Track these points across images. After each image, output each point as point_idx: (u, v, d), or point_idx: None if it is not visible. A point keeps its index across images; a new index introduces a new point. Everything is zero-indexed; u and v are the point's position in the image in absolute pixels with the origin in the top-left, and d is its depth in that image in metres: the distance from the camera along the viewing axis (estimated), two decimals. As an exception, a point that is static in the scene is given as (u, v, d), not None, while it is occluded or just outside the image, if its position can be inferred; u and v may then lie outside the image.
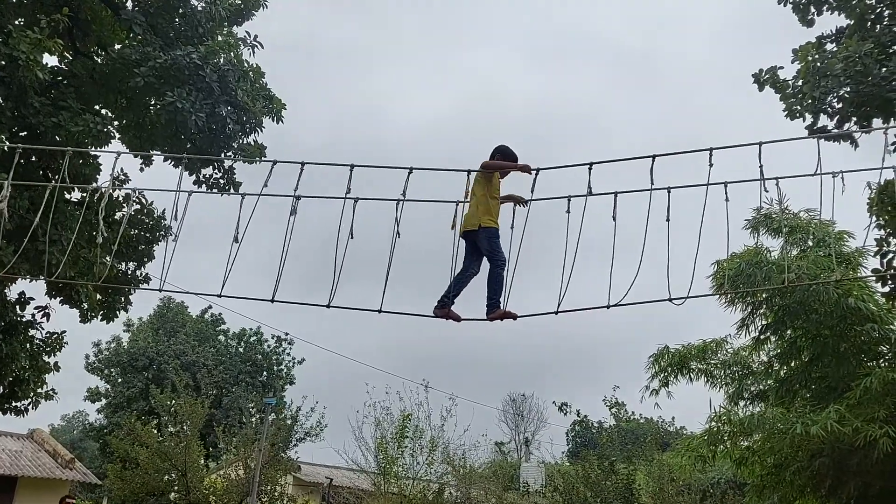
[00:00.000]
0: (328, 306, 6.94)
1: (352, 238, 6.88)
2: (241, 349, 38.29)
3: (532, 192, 7.26)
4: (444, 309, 7.13)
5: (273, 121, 13.48)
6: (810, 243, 15.56)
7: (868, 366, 13.73)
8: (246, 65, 13.12)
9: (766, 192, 6.17)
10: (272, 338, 37.96)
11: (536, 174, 7.17)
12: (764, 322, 15.27)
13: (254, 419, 25.15)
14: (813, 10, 11.63)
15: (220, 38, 13.46)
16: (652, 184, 6.51)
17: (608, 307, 6.54)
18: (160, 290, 7.21)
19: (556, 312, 6.74)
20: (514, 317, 7.06)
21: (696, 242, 6.72)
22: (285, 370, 38.03)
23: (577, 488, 21.61)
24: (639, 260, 6.71)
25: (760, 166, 6.14)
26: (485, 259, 7.18)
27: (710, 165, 6.35)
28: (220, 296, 7.13)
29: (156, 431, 23.82)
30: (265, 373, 37.46)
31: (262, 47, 13.13)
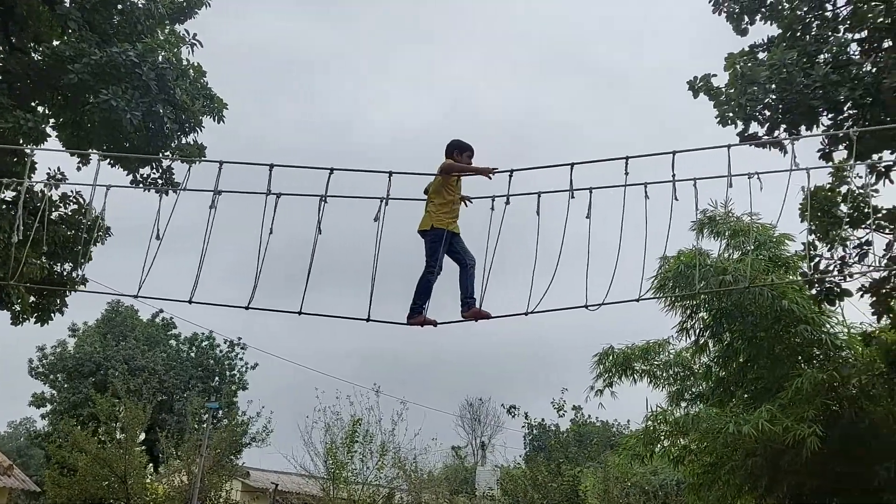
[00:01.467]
0: (300, 313, 6.85)
1: (320, 234, 6.74)
2: (192, 354, 37.70)
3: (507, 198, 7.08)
4: (417, 317, 7.03)
5: (214, 120, 13.33)
6: (751, 246, 15.94)
7: (801, 367, 14.09)
8: (186, 63, 12.97)
9: (677, 200, 6.27)
10: (224, 342, 37.48)
11: (499, 174, 7.07)
12: (701, 326, 15.58)
13: (205, 424, 24.77)
14: (746, 18, 11.90)
15: (160, 36, 13.27)
16: (571, 186, 6.59)
17: (526, 314, 6.62)
18: (135, 297, 6.96)
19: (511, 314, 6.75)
20: (488, 316, 7.04)
21: (642, 244, 6.83)
22: (238, 375, 37.53)
23: (526, 491, 21.76)
24: (585, 263, 6.78)
25: (673, 174, 6.28)
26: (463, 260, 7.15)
27: (626, 174, 6.48)
28: (190, 302, 6.94)
29: (101, 437, 23.30)
30: (217, 378, 36.93)
31: (202, 46, 13.00)
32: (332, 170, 6.63)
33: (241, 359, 37.82)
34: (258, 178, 6.81)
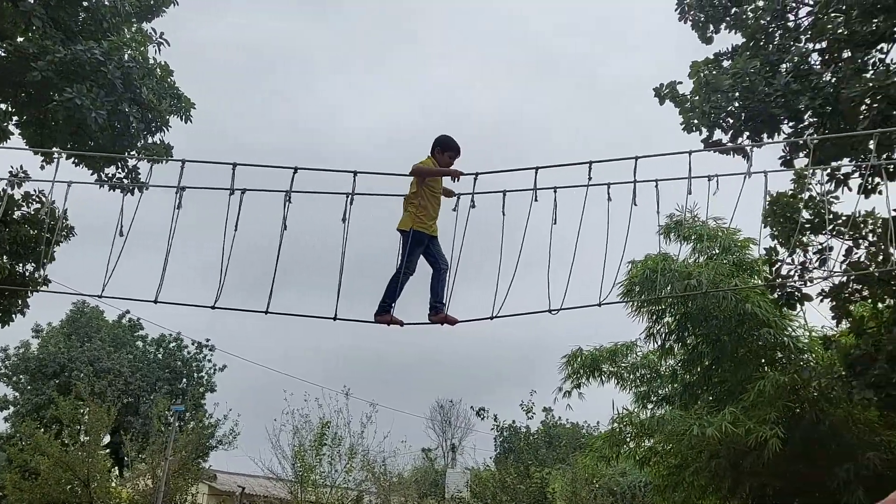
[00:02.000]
0: (266, 312, 6.79)
1: (285, 229, 6.68)
2: (159, 355, 37.22)
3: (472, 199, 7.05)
4: (385, 315, 6.97)
5: (181, 120, 13.21)
6: (717, 250, 16.21)
7: (764, 370, 14.34)
8: (153, 62, 12.83)
9: (636, 205, 6.37)
10: (192, 344, 37.05)
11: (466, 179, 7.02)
12: (667, 330, 15.79)
13: (170, 427, 24.47)
14: (711, 27, 12.10)
15: (126, 35, 13.12)
16: (535, 188, 6.66)
17: (491, 318, 6.67)
18: (99, 297, 6.85)
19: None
20: (400, 323, 7.01)
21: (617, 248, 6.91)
22: (206, 377, 37.13)
23: (495, 493, 21.84)
24: (547, 266, 6.84)
25: (634, 177, 6.36)
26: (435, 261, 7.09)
27: (589, 178, 6.55)
28: (155, 301, 6.85)
29: (64, 440, 22.91)
30: (184, 380, 36.50)
31: (169, 44, 12.88)
32: (296, 169, 6.60)
33: (209, 360, 37.46)
34: (239, 179, 6.77)
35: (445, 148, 7.08)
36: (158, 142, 13.04)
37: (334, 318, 6.76)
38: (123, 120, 12.06)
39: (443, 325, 7.04)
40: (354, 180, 6.65)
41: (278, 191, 6.68)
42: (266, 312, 6.77)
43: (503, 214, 6.94)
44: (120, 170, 13.24)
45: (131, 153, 12.66)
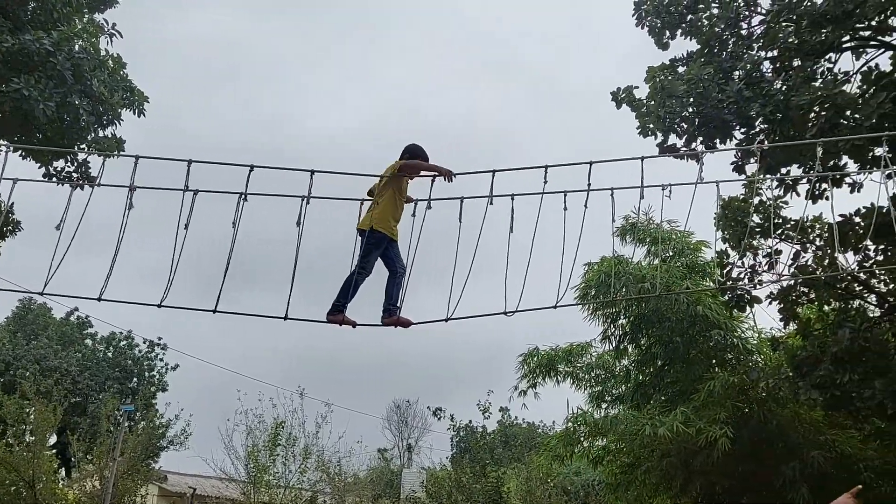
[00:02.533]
0: (214, 311, 6.64)
1: (234, 226, 6.55)
2: (109, 354, 36.39)
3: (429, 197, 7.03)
4: (338, 314, 6.87)
5: (134, 114, 12.92)
6: (671, 253, 16.50)
7: (714, 371, 14.62)
8: (105, 54, 12.52)
9: (586, 207, 6.48)
10: (144, 342, 36.31)
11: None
12: (621, 332, 16.01)
13: (119, 427, 23.90)
14: (667, 33, 12.28)
15: (78, 25, 12.77)
16: (491, 192, 6.68)
17: (446, 320, 6.66)
18: (41, 294, 6.60)
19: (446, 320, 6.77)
20: (353, 324, 6.92)
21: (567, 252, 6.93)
22: (157, 376, 36.42)
23: (450, 493, 21.86)
24: (505, 268, 6.85)
25: (588, 183, 6.43)
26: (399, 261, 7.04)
27: (545, 182, 6.60)
28: (99, 299, 6.63)
29: (8, 440, 22.20)
30: (135, 379, 35.75)
31: (122, 36, 12.57)
32: (251, 167, 6.50)
33: (161, 359, 36.76)
34: (196, 176, 6.63)
35: (414, 155, 7.12)
36: (110, 135, 12.74)
37: (284, 318, 6.66)
38: (73, 112, 11.76)
39: (396, 327, 6.98)
40: (311, 179, 6.56)
41: (232, 192, 6.56)
42: (214, 311, 6.64)
43: (459, 221, 6.93)
44: (69, 164, 12.90)
45: (81, 147, 12.33)
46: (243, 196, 6.59)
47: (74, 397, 29.81)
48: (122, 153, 11.57)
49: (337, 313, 6.89)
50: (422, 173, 7.08)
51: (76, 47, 11.84)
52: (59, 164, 12.88)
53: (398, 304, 7.00)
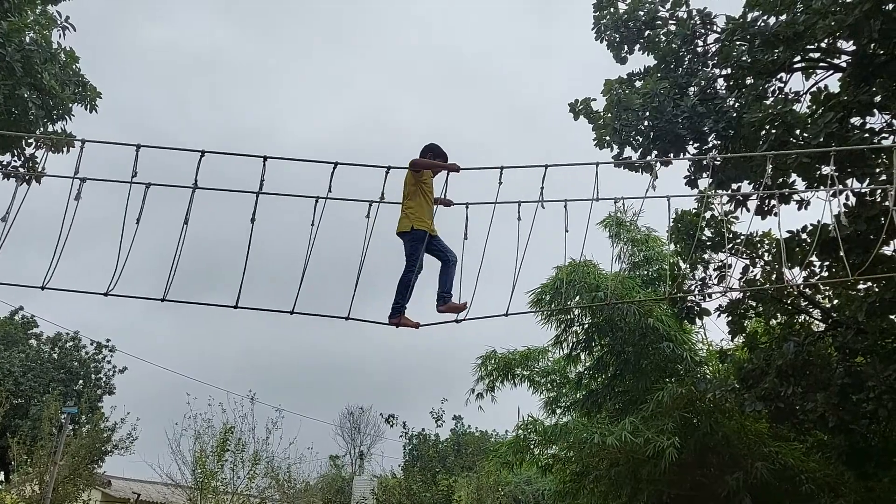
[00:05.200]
0: (162, 300, 6.49)
1: (186, 225, 6.44)
2: (54, 355, 35.32)
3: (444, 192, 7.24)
4: (398, 316, 6.97)
5: (85, 109, 12.57)
6: (637, 260, 16.75)
7: (665, 381, 14.83)
8: (57, 47, 12.17)
9: (543, 208, 6.52)
10: (91, 344, 35.33)
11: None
12: (575, 339, 16.15)
13: (61, 430, 23.23)
14: (626, 48, 12.45)
15: (29, 16, 12.40)
16: (445, 193, 6.68)
17: (394, 325, 6.64)
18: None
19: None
20: (416, 325, 7.01)
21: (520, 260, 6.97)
22: (104, 379, 35.46)
23: (400, 501, 21.73)
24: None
25: (542, 188, 6.50)
26: (433, 258, 7.16)
27: (500, 183, 6.63)
28: (43, 288, 6.44)
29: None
30: (81, 381, 34.75)
31: (75, 30, 12.24)
32: (202, 153, 6.36)
33: (108, 361, 35.83)
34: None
35: (437, 154, 7.27)
36: (59, 130, 12.38)
37: (235, 307, 6.56)
38: (21, 105, 11.41)
39: (451, 312, 7.03)
40: (264, 166, 6.46)
41: (184, 186, 6.43)
42: (162, 300, 6.50)
43: (465, 231, 7.01)
44: (16, 157, 12.50)
45: (28, 140, 11.97)
46: (195, 188, 6.46)
47: (16, 399, 28.86)
48: (72, 138, 11.21)
49: (398, 314, 6.99)
50: (432, 169, 7.23)
51: (27, 39, 11.49)
52: (5, 157, 12.49)
53: (450, 291, 7.11)
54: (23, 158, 12.59)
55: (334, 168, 6.50)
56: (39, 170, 11.67)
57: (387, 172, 6.62)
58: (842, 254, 7.31)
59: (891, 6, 9.04)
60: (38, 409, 29.90)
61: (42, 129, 12.16)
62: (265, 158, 6.39)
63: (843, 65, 10.99)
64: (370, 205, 6.99)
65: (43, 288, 6.41)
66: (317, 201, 6.69)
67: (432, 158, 7.24)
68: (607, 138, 11.83)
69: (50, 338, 35.77)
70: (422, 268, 7.13)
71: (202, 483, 21.33)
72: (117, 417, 29.31)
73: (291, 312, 6.54)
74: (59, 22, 12.19)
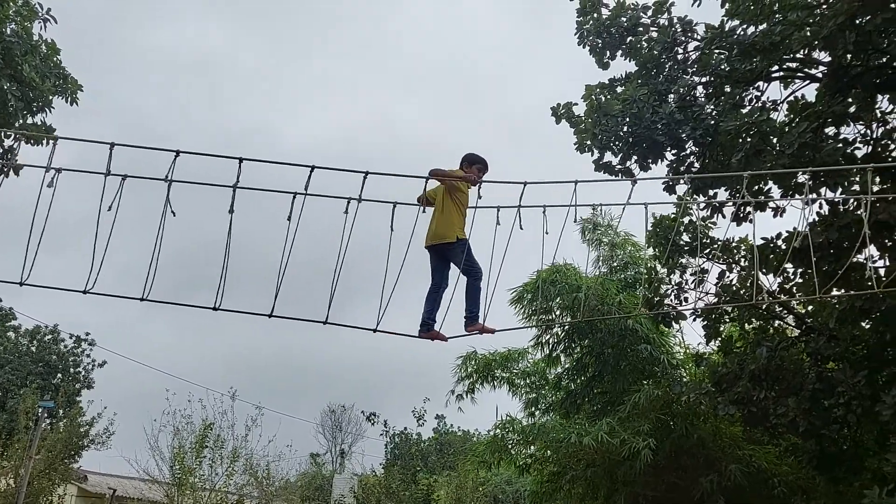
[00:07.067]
0: (142, 299, 6.48)
1: (174, 215, 6.46)
2: (33, 348, 35.03)
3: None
4: (430, 331, 7.01)
5: (66, 102, 12.52)
6: (616, 263, 16.89)
7: (642, 383, 14.97)
8: (38, 38, 12.10)
9: (521, 229, 6.64)
10: (70, 337, 35.07)
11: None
12: (555, 340, 16.27)
13: (38, 424, 23.06)
14: (608, 53, 12.56)
15: (11, 7, 12.31)
16: (417, 191, 6.73)
17: (375, 331, 6.69)
18: None
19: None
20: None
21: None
22: (83, 373, 35.22)
23: (379, 499, 21.77)
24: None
25: (519, 202, 6.58)
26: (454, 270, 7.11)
27: (479, 196, 6.71)
28: (21, 284, 6.41)
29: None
30: (59, 375, 34.50)
31: (56, 21, 12.18)
32: (177, 152, 6.37)
33: (88, 355, 35.60)
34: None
35: (473, 162, 7.26)
36: (39, 122, 12.32)
37: (215, 308, 6.56)
38: (1, 97, 11.34)
39: (482, 334, 7.10)
40: (240, 167, 6.47)
41: (158, 179, 6.43)
42: (142, 299, 6.51)
43: (391, 230, 6.98)
44: (-6, 150, 12.41)
45: (7, 132, 11.89)
46: (169, 182, 6.46)
47: (-8, 391, 28.66)
48: (49, 136, 11.14)
49: (427, 329, 7.06)
50: (448, 180, 7.16)
51: (7, 30, 11.43)
52: (-16, 150, 12.39)
53: (479, 311, 7.09)
54: (1, 150, 12.51)
55: (311, 171, 6.51)
56: (18, 164, 11.62)
57: (364, 177, 6.64)
58: (812, 269, 7.42)
59: (864, 19, 9.19)
60: (14, 402, 29.66)
61: (21, 121, 12.11)
62: (241, 160, 6.40)
63: (820, 75, 11.15)
64: (348, 202, 7.00)
65: (21, 284, 6.39)
66: (294, 197, 6.71)
67: (469, 166, 7.21)
68: (588, 143, 11.93)
69: (29, 330, 35.50)
70: (448, 284, 7.15)
71: (180, 479, 21.23)
72: (94, 412, 29.17)
73: (286, 314, 6.56)
74: (40, 14, 12.12)
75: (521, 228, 6.68)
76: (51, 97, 12.16)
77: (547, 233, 7.21)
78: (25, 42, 11.59)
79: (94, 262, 6.29)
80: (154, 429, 21.78)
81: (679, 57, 11.83)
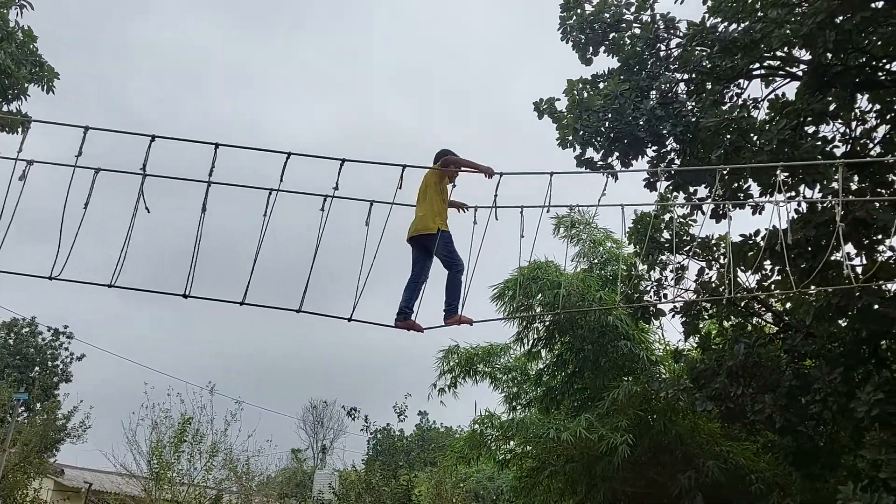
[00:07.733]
0: (110, 286, 6.41)
1: (147, 211, 6.40)
2: (10, 341, 34.69)
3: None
4: (406, 320, 7.04)
5: (42, 89, 12.35)
6: (596, 260, 16.91)
7: (622, 379, 15.00)
8: (14, 25, 11.91)
9: (497, 219, 6.69)
10: (48, 330, 34.74)
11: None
12: (536, 336, 16.26)
13: (12, 417, 22.78)
14: (591, 49, 12.55)
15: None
16: (395, 196, 6.71)
17: (350, 320, 6.65)
18: None
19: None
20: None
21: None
22: (61, 366, 34.91)
23: (359, 494, 21.66)
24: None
25: (495, 196, 6.58)
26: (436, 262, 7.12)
27: (454, 186, 6.68)
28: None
29: None
30: (37, 368, 34.19)
31: (33, 8, 12.01)
32: (153, 137, 6.30)
33: (66, 349, 35.28)
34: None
35: (454, 163, 7.30)
36: (14, 110, 12.14)
37: (185, 296, 6.50)
38: (-26, 84, 11.18)
39: (459, 325, 7.17)
40: (215, 153, 6.42)
41: (133, 172, 6.36)
42: (110, 286, 6.43)
43: (367, 225, 6.97)
44: (-31, 138, 12.24)
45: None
46: (144, 175, 6.40)
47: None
48: (20, 118, 10.99)
49: (404, 319, 7.07)
50: (463, 169, 7.27)
51: (-17, 17, 11.26)
52: (-42, 137, 12.21)
53: (458, 303, 7.14)
54: (-24, 138, 12.33)
55: (287, 158, 6.46)
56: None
57: (341, 165, 6.59)
58: (787, 268, 7.45)
59: (843, 18, 9.23)
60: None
61: (-4, 108, 11.94)
62: (217, 146, 6.35)
63: (801, 74, 11.20)
64: (324, 199, 6.95)
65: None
66: (270, 193, 6.69)
67: (447, 164, 7.27)
68: (570, 138, 11.92)
69: (6, 323, 35.15)
70: (428, 276, 7.16)
71: (158, 474, 21.05)
72: (71, 405, 28.90)
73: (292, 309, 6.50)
74: (16, 0, 11.94)
75: (497, 219, 6.66)
76: (26, 84, 11.99)
77: (523, 235, 7.21)
78: (1, 29, 11.42)
79: (61, 249, 6.22)
80: (132, 423, 21.63)
81: (661, 53, 11.85)
